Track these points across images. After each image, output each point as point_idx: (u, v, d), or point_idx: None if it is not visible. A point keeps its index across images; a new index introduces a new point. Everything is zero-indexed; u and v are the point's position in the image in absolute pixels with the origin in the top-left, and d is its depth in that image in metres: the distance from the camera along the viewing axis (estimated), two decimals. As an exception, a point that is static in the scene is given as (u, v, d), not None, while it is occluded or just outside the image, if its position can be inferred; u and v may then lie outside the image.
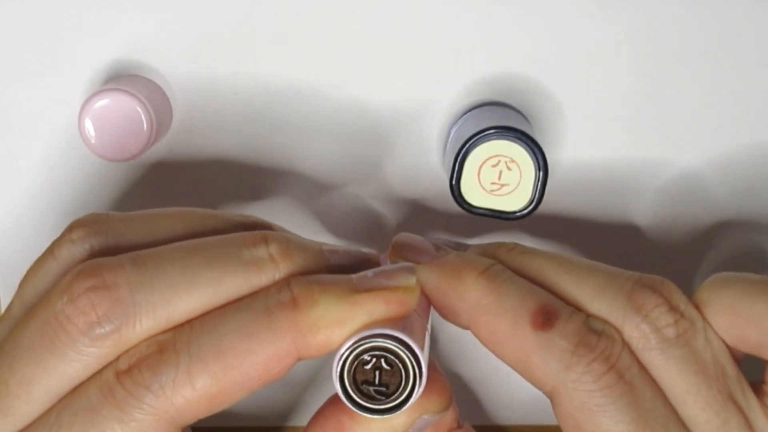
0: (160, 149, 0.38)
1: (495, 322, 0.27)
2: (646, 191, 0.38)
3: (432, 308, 0.30)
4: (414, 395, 0.25)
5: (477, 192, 0.34)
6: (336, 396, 0.26)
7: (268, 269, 0.27)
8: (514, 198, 0.34)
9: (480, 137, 0.33)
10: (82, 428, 0.25)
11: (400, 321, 0.26)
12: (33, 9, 0.36)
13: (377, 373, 0.25)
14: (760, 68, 0.37)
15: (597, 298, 0.28)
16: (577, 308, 0.28)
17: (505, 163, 0.34)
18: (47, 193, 0.38)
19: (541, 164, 0.33)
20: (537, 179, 0.33)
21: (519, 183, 0.34)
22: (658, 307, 0.27)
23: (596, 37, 0.36)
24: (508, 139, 0.33)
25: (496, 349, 0.28)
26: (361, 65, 0.37)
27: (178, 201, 0.38)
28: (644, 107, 0.37)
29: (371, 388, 0.25)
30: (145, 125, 0.34)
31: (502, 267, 0.29)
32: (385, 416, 0.25)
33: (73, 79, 0.37)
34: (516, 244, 0.30)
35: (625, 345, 0.27)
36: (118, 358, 0.25)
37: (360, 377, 0.25)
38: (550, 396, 0.27)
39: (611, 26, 0.36)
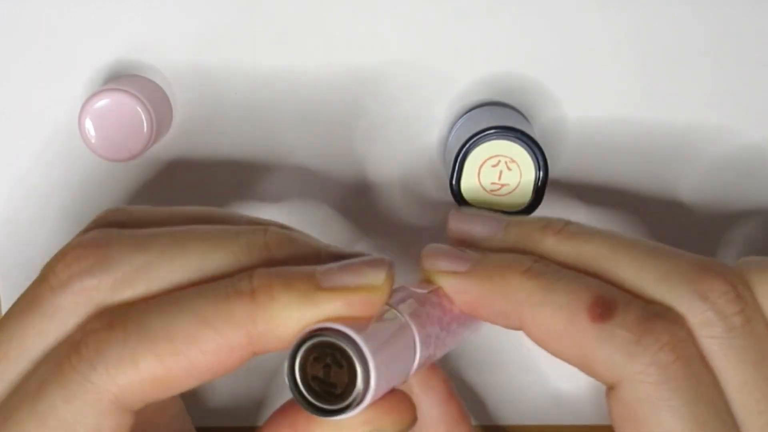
0: (160, 149, 0.38)
1: (549, 321, 0.26)
2: (646, 191, 0.38)
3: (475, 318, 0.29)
4: (362, 402, 0.23)
5: (477, 192, 0.34)
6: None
7: (259, 255, 0.26)
8: (514, 198, 0.34)
9: (480, 137, 0.33)
10: (30, 405, 0.24)
11: (365, 319, 0.25)
12: (33, 9, 0.36)
13: (327, 370, 0.24)
14: (761, 68, 0.37)
15: (659, 282, 0.26)
16: (635, 293, 0.26)
17: (505, 163, 0.34)
18: (47, 193, 0.38)
19: (541, 164, 0.33)
20: (537, 179, 0.33)
21: (519, 183, 0.34)
22: (726, 294, 0.26)
23: (596, 37, 0.36)
24: (508, 139, 0.33)
25: (553, 348, 0.26)
26: (361, 65, 0.37)
27: (178, 201, 0.38)
28: (644, 107, 0.37)
29: (320, 386, 0.24)
30: (145, 125, 0.34)
31: (546, 262, 0.27)
32: (331, 417, 0.24)
33: (73, 79, 0.37)
34: (566, 223, 0.28)
35: (690, 333, 0.25)
36: (71, 335, 0.25)
37: (311, 372, 0.24)
38: (611, 389, 0.26)
39: (611, 26, 0.36)
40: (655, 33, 0.36)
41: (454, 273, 0.28)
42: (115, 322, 0.24)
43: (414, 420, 0.26)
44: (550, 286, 0.26)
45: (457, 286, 0.28)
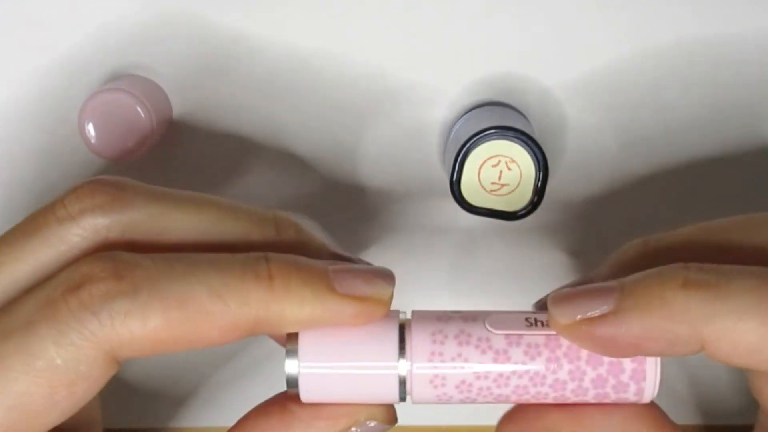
0: (160, 149, 0.38)
1: (738, 333, 0.23)
2: (647, 191, 0.38)
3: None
4: (297, 384, 0.25)
5: (477, 192, 0.34)
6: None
7: (267, 232, 0.26)
8: (515, 198, 0.34)
9: (480, 137, 0.33)
10: (18, 340, 0.23)
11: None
12: (33, 9, 0.36)
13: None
14: (761, 68, 0.37)
15: None
16: None
17: (506, 163, 0.34)
18: (47, 193, 0.38)
19: (542, 164, 0.33)
20: (537, 179, 0.33)
21: (519, 183, 0.34)
22: None
23: (596, 37, 0.36)
24: (509, 139, 0.33)
25: (749, 361, 0.23)
26: (361, 65, 0.37)
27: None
28: (644, 107, 0.37)
29: None
30: (144, 125, 0.34)
31: (698, 265, 0.24)
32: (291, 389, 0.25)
33: (73, 79, 0.37)
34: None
35: None
36: (67, 273, 0.24)
37: None
38: None
39: (611, 26, 0.36)
40: (655, 33, 0.36)
41: (600, 318, 0.24)
42: (124, 272, 0.23)
43: (396, 418, 0.26)
44: (720, 291, 0.23)
45: (612, 330, 0.24)
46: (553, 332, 0.25)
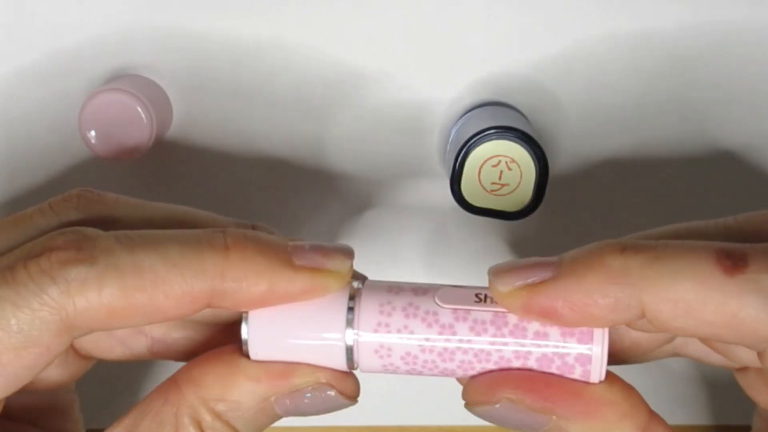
0: (161, 149, 0.38)
1: (677, 291, 0.23)
2: (647, 191, 0.38)
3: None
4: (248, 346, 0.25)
5: (477, 192, 0.34)
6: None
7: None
8: (515, 198, 0.34)
9: (480, 137, 0.33)
10: None
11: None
12: (33, 9, 0.36)
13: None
14: (761, 68, 0.37)
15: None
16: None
17: (506, 163, 0.34)
18: (47, 193, 0.38)
19: (542, 164, 0.33)
20: (537, 179, 0.33)
21: (519, 183, 0.34)
22: None
23: (596, 37, 0.36)
24: (509, 139, 0.33)
25: (690, 323, 0.23)
26: (361, 65, 0.37)
27: (178, 200, 0.38)
28: (644, 107, 0.37)
29: None
30: (145, 125, 0.34)
31: (634, 239, 0.24)
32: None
33: (73, 79, 0.37)
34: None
35: None
36: (31, 244, 0.24)
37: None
38: (763, 353, 0.24)
39: (611, 26, 0.36)
40: (655, 33, 0.36)
41: (540, 284, 0.24)
42: (84, 244, 0.24)
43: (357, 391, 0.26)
44: (660, 255, 0.23)
45: (551, 296, 0.24)
46: (502, 309, 0.25)
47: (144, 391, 0.40)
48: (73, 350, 0.29)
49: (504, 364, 0.25)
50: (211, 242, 0.24)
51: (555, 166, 0.38)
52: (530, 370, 0.25)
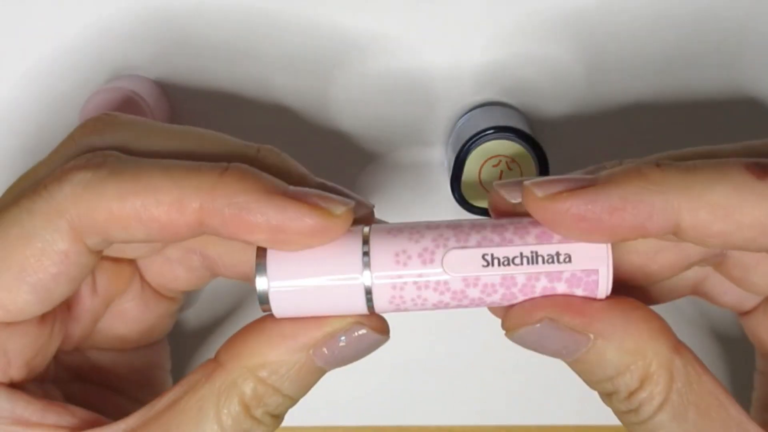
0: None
1: (713, 197, 0.23)
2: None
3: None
4: (268, 300, 0.26)
5: (478, 192, 0.34)
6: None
7: (250, 156, 0.27)
8: (515, 198, 0.34)
9: (481, 137, 0.33)
10: (0, 213, 0.26)
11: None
12: (33, 9, 0.36)
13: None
14: (762, 68, 0.37)
15: None
16: None
17: (506, 163, 0.34)
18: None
19: (542, 164, 0.33)
20: (538, 179, 0.33)
21: (520, 183, 0.34)
22: None
23: (596, 36, 0.36)
24: (509, 139, 0.33)
25: (727, 226, 0.24)
26: (362, 65, 0.37)
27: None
28: (644, 107, 0.37)
29: None
30: None
31: (670, 158, 0.25)
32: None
33: (73, 79, 0.37)
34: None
35: None
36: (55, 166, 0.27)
37: None
38: None
39: (611, 26, 0.36)
40: (655, 33, 0.36)
41: (579, 189, 0.24)
42: (96, 159, 0.26)
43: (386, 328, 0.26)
44: (693, 168, 0.24)
45: (590, 200, 0.24)
46: (509, 272, 0.25)
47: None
48: (143, 282, 0.30)
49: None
50: (211, 166, 0.25)
51: (555, 166, 0.38)
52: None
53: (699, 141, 0.38)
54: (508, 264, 0.25)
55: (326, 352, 0.26)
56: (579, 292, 0.25)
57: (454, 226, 0.26)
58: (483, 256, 0.25)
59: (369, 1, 0.36)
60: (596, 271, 0.25)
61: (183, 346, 0.40)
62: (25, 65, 0.37)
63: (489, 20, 0.36)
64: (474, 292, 0.25)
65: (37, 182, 0.26)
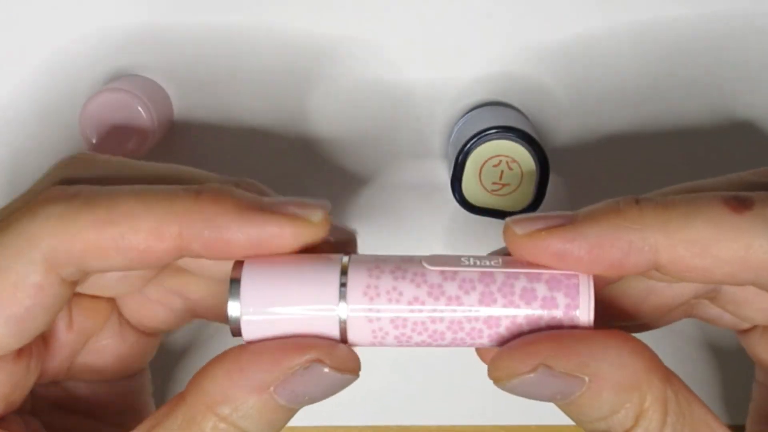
0: (160, 149, 0.38)
1: (691, 231, 0.24)
2: (648, 190, 0.38)
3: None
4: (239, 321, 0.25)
5: (478, 192, 0.34)
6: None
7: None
8: (516, 198, 0.34)
9: (481, 137, 0.33)
10: None
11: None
12: (33, 9, 0.36)
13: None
14: (762, 68, 0.37)
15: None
16: None
17: (507, 163, 0.34)
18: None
19: (543, 164, 0.33)
20: (538, 179, 0.33)
21: (520, 183, 0.34)
22: None
23: (596, 36, 0.36)
24: (510, 139, 0.33)
25: (705, 262, 0.24)
26: (362, 66, 0.37)
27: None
28: (645, 107, 0.37)
29: None
30: (145, 125, 0.34)
31: (648, 196, 0.25)
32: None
33: (73, 79, 0.37)
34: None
35: None
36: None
37: None
38: None
39: (612, 26, 0.36)
40: (655, 33, 0.36)
41: (557, 227, 0.25)
42: (70, 190, 0.25)
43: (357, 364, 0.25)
44: (671, 203, 0.24)
45: (568, 237, 0.24)
46: (488, 269, 0.25)
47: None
48: (122, 320, 0.30)
49: (493, 323, 0.25)
50: (185, 188, 0.25)
51: (556, 166, 0.38)
52: (540, 329, 0.25)
53: (700, 135, 0.38)
54: (488, 265, 0.25)
55: (286, 389, 0.25)
56: (560, 297, 0.25)
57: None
58: (462, 258, 0.25)
59: (370, 2, 0.36)
60: (576, 276, 0.25)
61: (170, 360, 0.40)
62: (25, 65, 0.37)
63: (489, 20, 0.36)
64: (451, 288, 0.25)
65: (9, 215, 0.26)
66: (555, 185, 0.38)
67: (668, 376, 0.25)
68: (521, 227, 0.25)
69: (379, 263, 0.25)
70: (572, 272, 0.25)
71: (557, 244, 0.24)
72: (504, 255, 0.26)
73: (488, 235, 0.39)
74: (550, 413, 0.41)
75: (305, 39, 0.36)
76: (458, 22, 0.36)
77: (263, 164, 0.38)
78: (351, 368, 0.25)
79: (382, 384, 0.42)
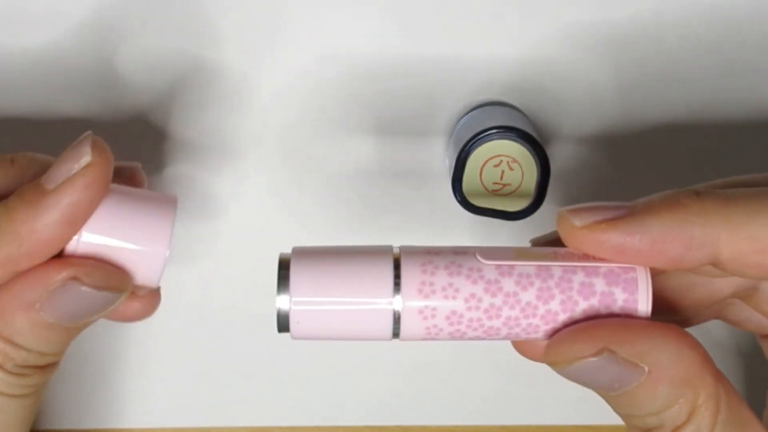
0: (160, 148, 0.38)
1: (752, 227, 0.23)
2: (649, 190, 0.38)
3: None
4: None
5: (479, 192, 0.34)
6: None
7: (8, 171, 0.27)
8: (516, 198, 0.34)
9: (482, 137, 0.33)
10: None
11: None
12: (33, 9, 0.36)
13: None
14: (762, 68, 0.37)
15: None
16: None
17: (507, 163, 0.34)
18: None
19: (543, 164, 0.33)
20: (539, 179, 0.33)
21: (521, 183, 0.34)
22: None
23: (597, 36, 0.36)
24: (510, 139, 0.33)
25: (763, 259, 0.24)
26: (363, 66, 0.37)
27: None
28: (645, 107, 0.37)
29: None
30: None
31: (707, 187, 0.25)
32: None
33: (73, 79, 0.37)
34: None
35: None
36: None
37: None
38: None
39: (612, 26, 0.36)
40: (656, 32, 0.36)
41: (617, 219, 0.24)
42: None
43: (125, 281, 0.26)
44: (732, 199, 0.24)
45: (629, 230, 0.24)
46: (545, 263, 0.24)
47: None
48: None
49: (551, 319, 0.24)
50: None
51: (556, 166, 0.38)
52: (611, 315, 0.24)
53: (702, 134, 0.38)
54: (545, 257, 0.25)
55: (50, 306, 0.25)
56: (618, 292, 0.24)
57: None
58: (517, 250, 0.25)
59: (371, 2, 0.36)
60: (633, 269, 0.24)
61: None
62: (25, 65, 0.37)
63: (490, 20, 0.36)
64: (508, 284, 0.24)
65: None
66: (555, 185, 0.38)
67: (719, 375, 0.24)
68: (580, 219, 0.24)
69: (432, 257, 0.24)
70: (629, 265, 0.24)
71: (618, 237, 0.24)
72: (538, 245, 0.25)
73: (489, 236, 0.39)
74: (551, 413, 0.41)
75: (302, 40, 0.36)
76: (458, 23, 0.36)
77: (263, 162, 0.38)
78: (113, 286, 0.26)
79: (382, 384, 0.42)
